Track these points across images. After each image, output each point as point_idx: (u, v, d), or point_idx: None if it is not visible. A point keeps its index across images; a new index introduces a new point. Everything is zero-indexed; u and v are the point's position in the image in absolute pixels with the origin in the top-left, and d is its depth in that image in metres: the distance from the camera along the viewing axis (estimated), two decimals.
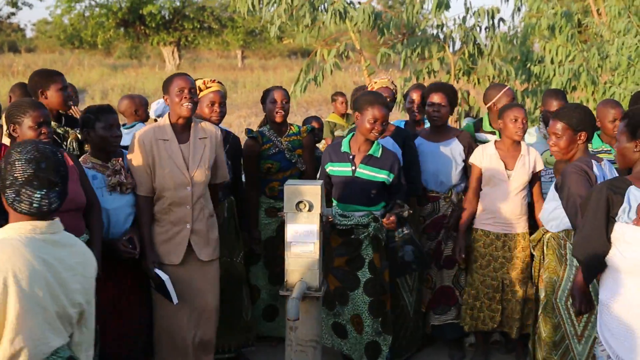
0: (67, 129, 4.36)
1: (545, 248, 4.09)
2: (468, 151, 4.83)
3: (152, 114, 5.96)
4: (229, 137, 4.85)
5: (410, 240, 4.39)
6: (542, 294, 4.12)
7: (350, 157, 4.40)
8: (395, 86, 5.26)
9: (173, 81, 4.10)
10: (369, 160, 4.38)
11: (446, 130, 4.98)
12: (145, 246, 4.10)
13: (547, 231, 4.06)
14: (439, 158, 4.87)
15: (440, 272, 4.92)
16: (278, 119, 4.94)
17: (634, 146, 3.12)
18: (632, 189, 3.01)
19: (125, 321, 4.05)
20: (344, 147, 4.43)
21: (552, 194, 3.93)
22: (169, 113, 4.20)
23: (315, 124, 5.94)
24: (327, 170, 4.46)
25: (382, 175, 4.36)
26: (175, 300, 4.06)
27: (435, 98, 4.86)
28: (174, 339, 4.21)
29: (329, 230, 4.41)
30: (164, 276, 4.03)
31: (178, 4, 30.92)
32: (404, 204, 4.37)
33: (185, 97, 4.04)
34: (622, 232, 2.99)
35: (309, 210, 3.81)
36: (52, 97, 4.39)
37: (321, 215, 3.86)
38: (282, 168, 4.94)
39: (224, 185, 4.59)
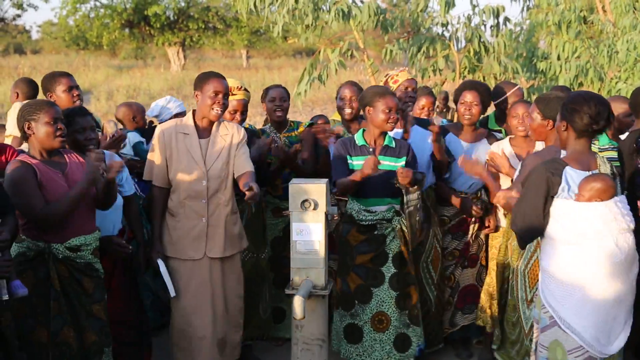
0: None
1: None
2: None
3: (148, 114, 5.93)
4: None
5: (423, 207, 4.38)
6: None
7: (371, 149, 4.38)
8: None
9: (209, 81, 4.09)
10: (387, 151, 4.39)
11: (476, 129, 4.91)
12: (153, 237, 4.17)
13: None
14: (470, 158, 4.80)
15: (464, 271, 4.89)
16: (276, 117, 4.94)
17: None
18: (567, 170, 3.42)
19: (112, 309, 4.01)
20: (360, 141, 4.41)
21: None
22: (193, 110, 4.21)
23: (320, 122, 5.91)
24: (349, 163, 4.38)
25: (400, 163, 4.35)
26: (172, 293, 4.09)
27: (468, 97, 4.77)
28: (190, 339, 4.19)
29: (346, 229, 4.39)
30: (162, 268, 4.06)
31: (183, 4, 30.97)
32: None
33: (219, 102, 4.06)
34: (564, 208, 3.41)
35: (314, 208, 3.82)
36: (58, 98, 4.42)
37: (326, 214, 3.86)
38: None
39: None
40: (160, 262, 4.13)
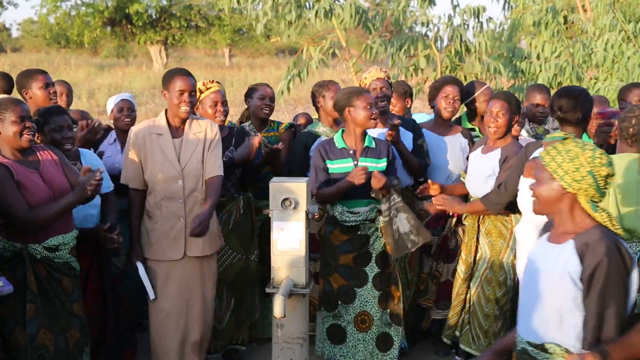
0: None
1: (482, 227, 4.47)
2: (469, 144, 4.90)
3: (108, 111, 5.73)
4: (232, 132, 4.76)
5: (403, 208, 4.29)
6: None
7: (351, 152, 4.35)
8: (388, 75, 5.00)
9: (174, 80, 4.06)
10: (367, 153, 4.37)
11: (451, 124, 5.00)
12: (132, 239, 4.14)
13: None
14: (446, 151, 4.88)
15: (445, 266, 4.92)
16: (264, 115, 4.93)
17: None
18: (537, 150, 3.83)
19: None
20: (340, 144, 4.37)
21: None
22: (166, 110, 4.19)
23: (302, 119, 5.89)
24: (328, 167, 4.36)
25: (381, 164, 4.35)
26: (152, 296, 4.08)
27: (450, 90, 4.84)
28: (169, 339, 4.18)
29: (329, 230, 4.39)
30: (141, 271, 4.04)
31: (165, 2, 30.75)
32: (394, 177, 4.37)
33: (185, 101, 4.04)
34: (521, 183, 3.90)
35: (295, 207, 3.82)
36: (34, 95, 4.38)
37: (307, 213, 3.86)
38: (260, 164, 4.91)
39: (230, 180, 4.57)
40: (139, 265, 4.10)
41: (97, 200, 4.05)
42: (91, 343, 3.82)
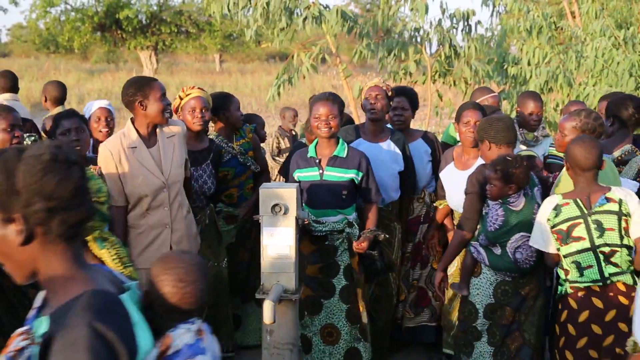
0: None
1: None
2: (434, 150, 4.88)
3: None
4: (212, 146, 4.74)
5: (382, 245, 4.35)
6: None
7: (317, 161, 4.32)
8: (388, 85, 4.88)
9: (153, 86, 3.95)
10: (335, 162, 4.29)
11: (412, 131, 5.03)
12: None
13: None
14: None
15: (420, 273, 4.91)
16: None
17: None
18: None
19: None
20: (310, 152, 4.35)
21: None
22: (132, 119, 4.07)
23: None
24: (295, 177, 4.36)
25: (349, 175, 4.27)
26: None
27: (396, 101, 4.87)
28: None
29: (299, 238, 4.34)
30: None
31: (155, 8, 30.72)
32: (378, 230, 4.28)
33: (168, 104, 3.99)
34: None
35: (285, 213, 3.80)
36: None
37: (297, 218, 3.84)
38: (237, 173, 4.91)
39: (203, 193, 4.56)
40: None
41: None
42: None
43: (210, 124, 4.90)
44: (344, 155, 4.30)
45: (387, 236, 4.34)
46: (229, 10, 7.25)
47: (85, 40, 30.05)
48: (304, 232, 4.27)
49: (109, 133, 4.84)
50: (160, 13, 30.78)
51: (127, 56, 37.23)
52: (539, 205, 3.84)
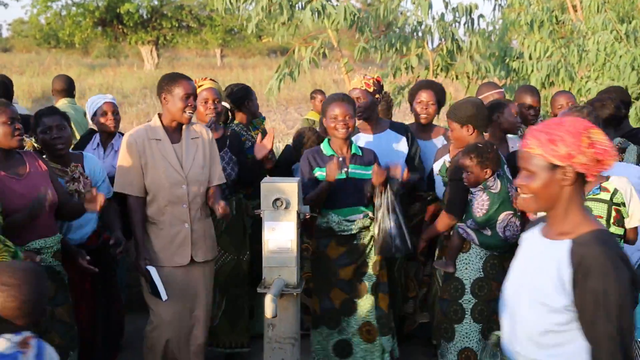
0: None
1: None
2: (411, 142, 4.79)
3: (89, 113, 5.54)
4: (226, 133, 4.74)
5: (395, 209, 4.25)
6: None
7: (340, 159, 4.30)
8: (378, 82, 4.82)
9: (179, 84, 3.96)
10: (356, 160, 4.34)
11: (434, 127, 5.02)
12: (137, 245, 4.05)
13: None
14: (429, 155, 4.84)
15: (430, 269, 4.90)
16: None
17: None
18: None
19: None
20: (329, 151, 4.33)
21: None
22: (159, 114, 4.11)
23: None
24: (316, 175, 4.31)
25: (369, 172, 4.28)
26: (164, 297, 3.95)
27: (424, 96, 4.85)
28: (167, 349, 4.11)
29: (324, 243, 4.32)
30: (154, 274, 3.95)
31: (156, 2, 30.69)
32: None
33: (190, 105, 3.97)
34: None
35: (286, 207, 3.80)
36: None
37: (298, 213, 3.85)
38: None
39: (229, 183, 4.54)
40: (152, 268, 3.97)
41: None
42: (85, 347, 3.79)
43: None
44: (361, 153, 4.37)
45: (398, 184, 4.29)
46: (231, 4, 7.24)
47: (86, 35, 30.09)
48: (330, 235, 4.28)
49: (117, 126, 4.91)
50: (161, 8, 30.78)
51: (128, 51, 37.22)
52: (510, 181, 4.01)
